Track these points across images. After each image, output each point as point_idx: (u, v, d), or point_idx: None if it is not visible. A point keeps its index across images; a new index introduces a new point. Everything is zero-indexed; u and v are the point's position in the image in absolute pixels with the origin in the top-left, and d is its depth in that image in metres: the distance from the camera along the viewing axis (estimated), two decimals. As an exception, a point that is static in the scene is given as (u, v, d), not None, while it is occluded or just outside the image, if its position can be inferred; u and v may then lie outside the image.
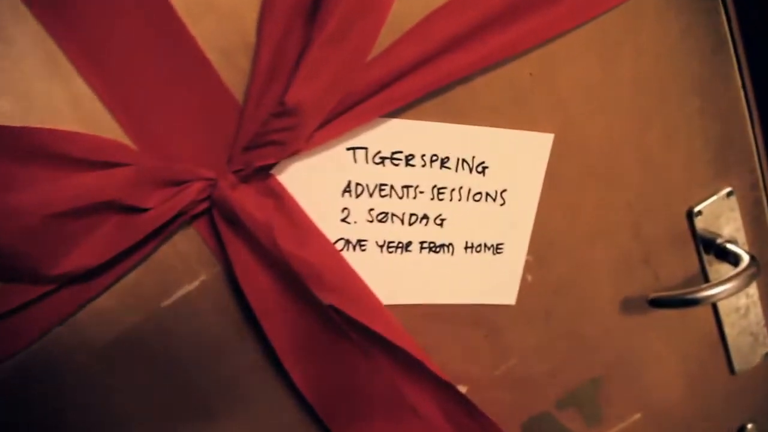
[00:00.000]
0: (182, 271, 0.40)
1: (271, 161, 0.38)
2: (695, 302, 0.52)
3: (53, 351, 0.40)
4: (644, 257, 0.55)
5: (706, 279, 0.60)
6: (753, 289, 0.62)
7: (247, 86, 0.38)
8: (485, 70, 0.41)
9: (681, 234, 0.57)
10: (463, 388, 0.49)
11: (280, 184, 0.39)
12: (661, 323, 0.59)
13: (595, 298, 0.54)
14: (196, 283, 0.40)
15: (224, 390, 0.43)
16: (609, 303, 0.55)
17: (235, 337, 0.44)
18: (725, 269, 0.58)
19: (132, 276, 0.40)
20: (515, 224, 0.47)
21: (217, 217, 0.39)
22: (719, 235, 0.58)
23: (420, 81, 0.37)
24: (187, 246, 0.39)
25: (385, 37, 0.38)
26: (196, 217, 0.38)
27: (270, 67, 0.36)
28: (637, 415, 0.59)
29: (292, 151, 0.37)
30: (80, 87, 0.36)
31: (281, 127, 0.36)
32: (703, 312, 0.62)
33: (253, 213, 0.36)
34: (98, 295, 0.39)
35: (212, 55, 0.35)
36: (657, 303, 0.55)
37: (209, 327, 0.43)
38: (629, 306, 0.57)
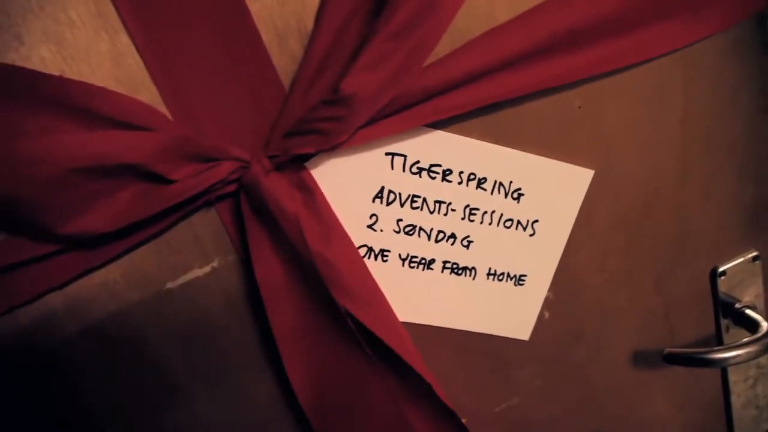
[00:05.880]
0: (195, 254, 0.38)
1: (310, 150, 0.36)
2: (708, 363, 0.51)
3: (44, 317, 0.37)
4: (665, 311, 0.54)
5: (720, 342, 0.58)
6: (766, 360, 0.61)
7: (296, 71, 0.37)
8: (536, 95, 0.41)
9: (702, 293, 0.56)
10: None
11: (312, 179, 0.39)
12: (670, 383, 0.58)
13: (611, 346, 0.53)
14: (206, 269, 0.39)
15: (211, 375, 0.42)
16: (624, 354, 0.54)
17: (235, 329, 0.42)
18: (740, 335, 0.56)
19: (141, 251, 0.38)
20: (541, 257, 0.47)
21: (243, 202, 0.37)
22: (739, 300, 0.57)
23: (471, 95, 0.37)
24: (205, 229, 0.38)
25: (443, 47, 0.38)
26: (220, 198, 0.38)
27: (325, 54, 0.35)
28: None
29: (334, 143, 0.36)
30: (124, 44, 0.34)
31: (329, 115, 0.34)
32: (711, 378, 0.61)
33: (282, 203, 0.35)
34: (102, 266, 0.37)
35: (266, 35, 0.34)
36: (671, 359, 0.53)
37: (210, 317, 0.41)
38: (643, 360, 0.56)
